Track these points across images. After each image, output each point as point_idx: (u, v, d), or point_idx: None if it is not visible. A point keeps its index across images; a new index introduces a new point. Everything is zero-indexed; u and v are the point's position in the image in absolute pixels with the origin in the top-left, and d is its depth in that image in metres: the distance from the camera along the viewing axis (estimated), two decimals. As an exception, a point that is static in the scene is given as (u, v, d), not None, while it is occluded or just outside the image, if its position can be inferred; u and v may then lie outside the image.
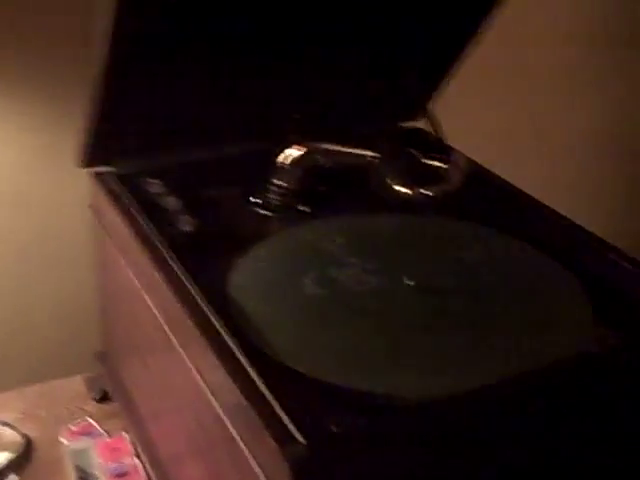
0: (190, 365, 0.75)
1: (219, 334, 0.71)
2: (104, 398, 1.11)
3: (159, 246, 0.83)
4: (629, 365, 0.71)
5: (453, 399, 0.64)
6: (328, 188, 0.98)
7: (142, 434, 0.98)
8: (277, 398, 0.63)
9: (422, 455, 0.63)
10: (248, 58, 0.93)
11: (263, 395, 0.64)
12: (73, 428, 1.07)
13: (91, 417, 1.09)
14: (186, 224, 0.89)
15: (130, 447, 1.02)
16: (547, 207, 0.92)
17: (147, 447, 0.96)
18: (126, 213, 0.89)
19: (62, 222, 1.17)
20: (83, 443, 1.04)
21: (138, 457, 1.00)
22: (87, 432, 1.06)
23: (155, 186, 0.94)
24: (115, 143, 0.93)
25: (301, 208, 0.95)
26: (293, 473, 0.58)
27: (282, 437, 0.60)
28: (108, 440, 1.04)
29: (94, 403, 1.11)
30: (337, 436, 0.61)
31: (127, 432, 1.04)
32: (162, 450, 0.92)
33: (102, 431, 1.06)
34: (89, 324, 1.11)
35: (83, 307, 1.18)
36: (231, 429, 0.67)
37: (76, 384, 1.14)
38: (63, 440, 1.04)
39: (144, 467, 0.98)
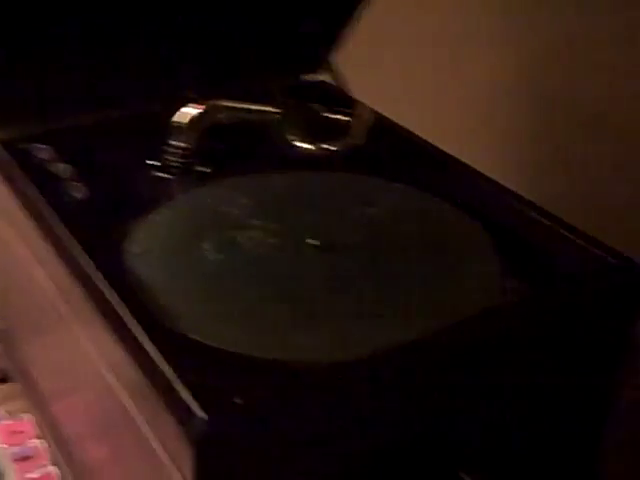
0: (85, 340, 0.72)
1: (113, 305, 0.67)
2: (4, 378, 1.06)
3: (48, 216, 0.78)
4: (536, 316, 0.69)
5: (362, 361, 0.61)
6: (229, 147, 0.95)
7: (45, 414, 0.94)
8: (176, 371, 0.59)
9: (333, 421, 0.60)
10: (133, 10, 0.88)
11: (160, 368, 0.60)
12: (-29, 412, 1.02)
13: (-8, 399, 1.04)
14: (78, 191, 0.84)
15: (33, 429, 0.97)
16: (456, 159, 0.90)
17: (50, 428, 0.93)
18: (12, 182, 0.84)
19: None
20: (-18, 427, 0.99)
21: (41, 439, 0.95)
22: (-13, 415, 1.01)
23: (44, 152, 0.89)
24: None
25: (201, 169, 0.91)
26: (195, 450, 0.55)
27: (182, 413, 0.56)
28: (9, 423, 0.99)
29: (-5, 384, 1.06)
30: (242, 408, 0.58)
31: (29, 413, 0.99)
32: (66, 430, 0.88)
33: (3, 413, 1.01)
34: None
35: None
36: (129, 407, 0.64)
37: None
38: (-39, 425, 1.00)
39: (49, 448, 0.93)
